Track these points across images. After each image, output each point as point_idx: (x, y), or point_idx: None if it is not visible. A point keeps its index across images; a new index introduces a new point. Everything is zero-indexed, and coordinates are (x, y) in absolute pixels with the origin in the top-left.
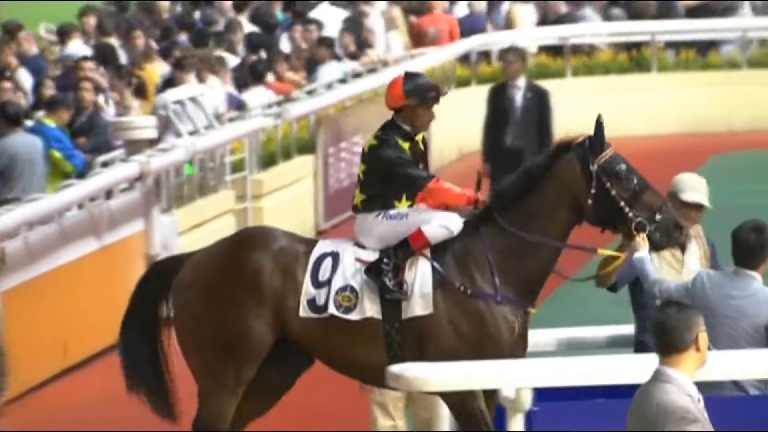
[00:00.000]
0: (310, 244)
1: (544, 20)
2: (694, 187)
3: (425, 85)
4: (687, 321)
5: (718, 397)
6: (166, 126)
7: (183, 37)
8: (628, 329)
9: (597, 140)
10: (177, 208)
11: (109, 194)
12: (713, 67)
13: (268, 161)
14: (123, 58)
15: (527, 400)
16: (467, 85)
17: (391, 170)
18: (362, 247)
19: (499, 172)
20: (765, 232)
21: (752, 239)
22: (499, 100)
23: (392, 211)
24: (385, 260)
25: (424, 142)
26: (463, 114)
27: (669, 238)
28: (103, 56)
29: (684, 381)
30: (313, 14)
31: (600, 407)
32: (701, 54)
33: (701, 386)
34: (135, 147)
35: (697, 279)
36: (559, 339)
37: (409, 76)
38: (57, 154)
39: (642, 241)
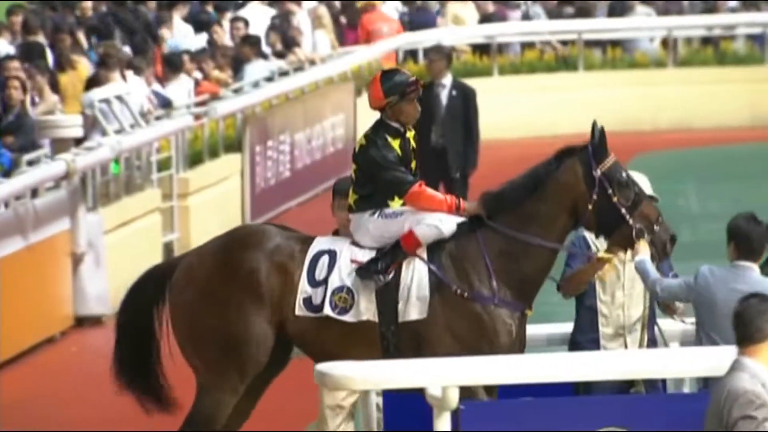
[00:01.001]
0: (307, 241)
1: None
2: (641, 184)
3: (403, 80)
4: (765, 313)
5: (633, 396)
6: (92, 124)
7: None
8: (567, 327)
9: (600, 147)
10: (103, 207)
11: (35, 193)
12: (639, 66)
13: (194, 160)
14: (50, 57)
15: (454, 399)
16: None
17: (377, 172)
18: (358, 245)
19: (423, 171)
20: (762, 223)
21: (754, 231)
22: (424, 99)
23: (387, 210)
24: (376, 261)
25: (415, 138)
26: None
27: (664, 249)
28: (29, 54)
29: (759, 370)
30: (242, 13)
31: (527, 406)
32: (627, 53)
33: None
34: (61, 145)
35: (700, 274)
36: None
37: (385, 75)
38: None
39: (644, 247)
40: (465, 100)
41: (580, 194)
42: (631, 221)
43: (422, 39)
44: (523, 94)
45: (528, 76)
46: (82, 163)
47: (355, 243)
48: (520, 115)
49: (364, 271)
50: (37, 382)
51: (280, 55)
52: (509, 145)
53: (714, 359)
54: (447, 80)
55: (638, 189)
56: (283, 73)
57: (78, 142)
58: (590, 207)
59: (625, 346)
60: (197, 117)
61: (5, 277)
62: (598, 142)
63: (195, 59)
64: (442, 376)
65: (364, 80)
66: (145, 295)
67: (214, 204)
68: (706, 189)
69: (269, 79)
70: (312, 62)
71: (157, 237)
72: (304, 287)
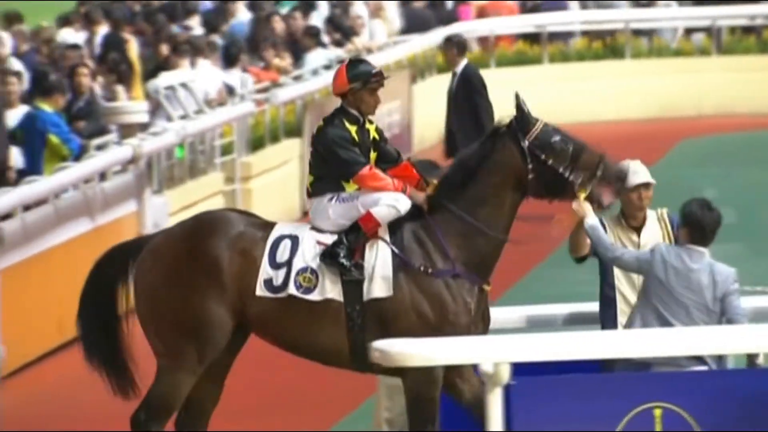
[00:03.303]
0: (268, 227)
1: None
2: (635, 171)
3: (367, 70)
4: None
5: (679, 372)
6: (157, 110)
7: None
8: (593, 306)
9: (522, 118)
10: (168, 190)
11: (102, 176)
12: (684, 54)
13: (256, 144)
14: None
15: (505, 375)
16: (447, 71)
17: (331, 150)
18: (319, 231)
19: (449, 154)
20: (714, 210)
21: (706, 218)
22: (448, 90)
23: (344, 194)
24: (339, 245)
25: (379, 131)
26: (444, 99)
27: (613, 189)
28: (111, 45)
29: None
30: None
31: (576, 381)
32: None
33: (661, 362)
34: (128, 131)
35: (656, 250)
36: (528, 316)
37: (352, 63)
38: (54, 139)
39: (583, 205)
40: (466, 86)
41: (517, 168)
42: (570, 177)
43: (474, 28)
44: (571, 81)
45: (577, 64)
46: (148, 147)
47: (315, 228)
48: (569, 102)
49: (329, 256)
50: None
51: (338, 44)
52: None
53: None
54: (459, 68)
55: (575, 144)
56: (341, 61)
57: (144, 127)
58: (531, 177)
59: (632, 310)
60: (259, 103)
61: (74, 258)
62: (519, 113)
63: (256, 47)
64: (495, 353)
65: (419, 68)
66: (110, 271)
67: (275, 187)
68: (748, 173)
69: (328, 67)
70: (369, 50)
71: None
72: (265, 269)
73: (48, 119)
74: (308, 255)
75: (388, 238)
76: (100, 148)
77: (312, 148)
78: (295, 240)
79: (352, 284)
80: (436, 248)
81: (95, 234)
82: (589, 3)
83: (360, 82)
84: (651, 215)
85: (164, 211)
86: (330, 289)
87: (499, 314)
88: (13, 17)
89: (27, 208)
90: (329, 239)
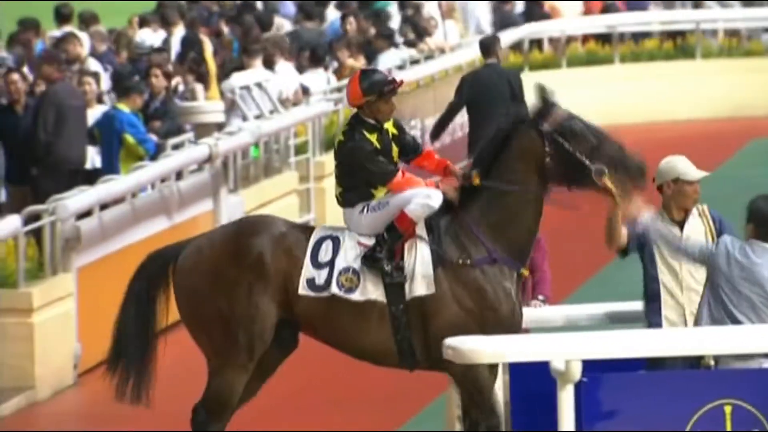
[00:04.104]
0: (309, 230)
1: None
2: (689, 166)
3: (380, 80)
4: None
5: (750, 369)
6: (232, 110)
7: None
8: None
9: (543, 104)
10: (243, 189)
11: (179, 175)
12: (755, 54)
13: (330, 144)
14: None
15: (577, 372)
16: (520, 71)
17: (358, 164)
18: (359, 233)
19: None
20: None
21: None
22: None
23: (373, 203)
24: (377, 248)
25: (397, 126)
26: None
27: (633, 179)
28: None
29: None
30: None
31: (645, 379)
32: (743, 41)
33: (728, 359)
34: (204, 130)
35: (721, 243)
36: (593, 314)
37: (364, 74)
38: (130, 139)
39: (642, 206)
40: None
41: (539, 153)
42: (593, 166)
43: (546, 29)
44: (642, 81)
45: (647, 64)
46: (223, 147)
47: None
48: (639, 101)
49: (370, 259)
50: (177, 357)
51: (411, 45)
52: (628, 131)
53: None
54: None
55: (596, 133)
56: (414, 62)
57: (219, 127)
58: (548, 160)
59: (684, 314)
60: (334, 103)
61: None
62: (540, 100)
63: (332, 48)
64: (566, 350)
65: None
66: (150, 276)
67: None
68: None
69: (401, 67)
70: (442, 51)
71: (294, 217)
72: (307, 269)
73: (125, 119)
74: (350, 255)
75: (425, 235)
76: (177, 147)
77: (336, 161)
78: (336, 241)
79: (395, 285)
80: (470, 239)
81: (171, 232)
82: (668, 3)
83: (374, 94)
84: (693, 211)
85: (240, 209)
86: (372, 291)
87: (570, 311)
88: (90, 18)
89: (104, 207)
90: (370, 240)
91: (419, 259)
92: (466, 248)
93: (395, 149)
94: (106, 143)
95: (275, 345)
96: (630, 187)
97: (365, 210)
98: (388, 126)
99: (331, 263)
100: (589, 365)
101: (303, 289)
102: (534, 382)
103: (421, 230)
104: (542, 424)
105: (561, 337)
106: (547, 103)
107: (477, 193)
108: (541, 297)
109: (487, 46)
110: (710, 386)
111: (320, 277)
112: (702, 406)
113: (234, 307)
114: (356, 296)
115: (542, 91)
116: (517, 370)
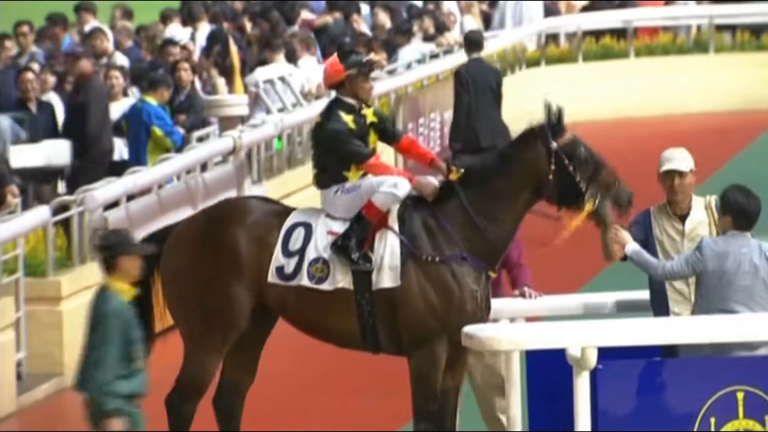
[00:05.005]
0: (284, 215)
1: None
2: (669, 159)
3: (359, 57)
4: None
5: (763, 356)
6: (256, 103)
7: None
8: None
9: (556, 123)
10: (267, 180)
11: (204, 167)
12: (767, 48)
13: None
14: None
15: (592, 359)
16: (537, 65)
17: (334, 145)
18: (332, 217)
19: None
20: (755, 196)
21: (751, 204)
22: None
23: (347, 185)
24: (348, 236)
25: (378, 114)
26: (534, 91)
27: (625, 206)
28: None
29: None
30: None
31: (659, 365)
32: (756, 36)
33: (732, 347)
34: (228, 123)
35: (702, 247)
36: (611, 302)
37: (342, 53)
38: (158, 131)
39: (620, 233)
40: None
41: (541, 168)
42: (585, 190)
43: (563, 23)
44: (657, 75)
45: (662, 58)
46: (247, 139)
47: (329, 215)
48: (654, 94)
49: (340, 248)
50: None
51: (430, 39)
52: (643, 123)
53: None
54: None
55: (597, 160)
56: (434, 56)
57: (243, 119)
58: (550, 177)
59: (691, 309)
60: None
61: None
62: (553, 119)
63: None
64: (582, 338)
65: (508, 62)
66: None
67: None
68: None
69: (420, 62)
70: (460, 45)
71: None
72: (277, 257)
73: (153, 112)
74: (320, 245)
75: (397, 227)
76: (202, 140)
77: (313, 142)
78: (308, 228)
79: (362, 274)
80: (444, 236)
81: None
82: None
83: (355, 68)
84: (698, 203)
85: None
86: (341, 279)
87: (586, 299)
88: (126, 14)
89: (131, 197)
90: (341, 228)
91: (388, 250)
92: (439, 245)
93: (373, 135)
94: (134, 135)
95: (255, 330)
96: (613, 215)
97: (339, 192)
98: (368, 113)
99: (301, 252)
100: (601, 353)
101: (272, 278)
102: (550, 369)
103: (392, 221)
104: (559, 410)
105: (577, 324)
106: (561, 122)
107: (459, 190)
108: (525, 288)
109: (476, 41)
110: (723, 373)
111: (289, 265)
112: (715, 392)
113: (210, 294)
114: (326, 286)
115: (558, 110)
116: (534, 358)
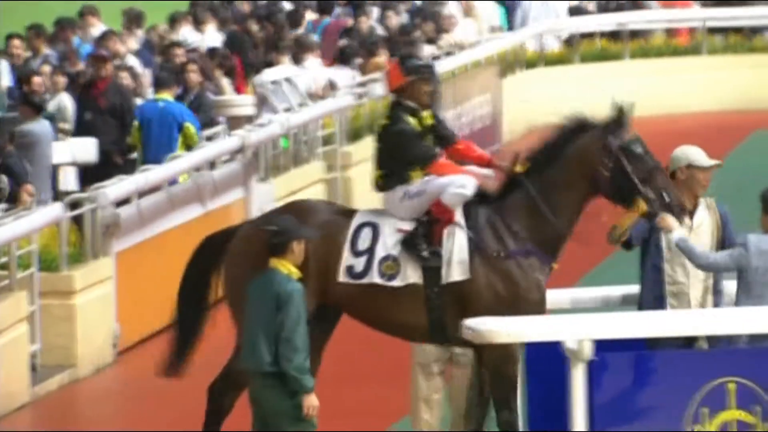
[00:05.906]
0: (350, 215)
1: (605, 8)
2: (702, 154)
3: (419, 62)
4: None
5: (753, 348)
6: (263, 103)
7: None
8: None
9: (618, 121)
10: (273, 178)
11: (212, 165)
12: (758, 50)
13: (355, 135)
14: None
15: (588, 351)
16: (536, 66)
17: (401, 146)
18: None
19: None
20: None
21: None
22: None
23: (412, 189)
24: (417, 234)
25: (435, 116)
26: (532, 93)
27: (677, 214)
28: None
29: None
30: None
31: (654, 358)
32: (747, 38)
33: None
34: (235, 123)
35: (747, 243)
36: (604, 296)
37: (403, 59)
38: (191, 128)
39: (666, 218)
40: None
41: (598, 162)
42: (643, 191)
43: (563, 26)
44: (651, 76)
45: (656, 60)
46: (254, 138)
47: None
48: (649, 95)
49: (409, 245)
50: (212, 334)
51: (431, 41)
52: (639, 123)
53: None
54: None
55: (655, 163)
56: (435, 57)
57: (250, 119)
58: (606, 174)
59: (689, 301)
60: (359, 97)
61: (186, 241)
62: (617, 118)
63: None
64: (578, 331)
65: (509, 63)
66: (205, 259)
67: None
68: None
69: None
70: (461, 47)
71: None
72: (346, 257)
73: (182, 109)
74: (389, 243)
75: (463, 223)
76: (210, 138)
77: (379, 145)
78: (375, 228)
79: (432, 269)
80: (508, 230)
81: (205, 219)
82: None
83: (416, 74)
84: (701, 201)
85: (270, 197)
86: (411, 275)
87: (580, 294)
88: (135, 17)
89: (142, 194)
90: (409, 225)
91: (457, 245)
92: (503, 238)
93: (430, 137)
94: (159, 134)
95: (318, 327)
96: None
97: (405, 196)
98: (426, 115)
99: (370, 251)
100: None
101: (342, 277)
102: (548, 361)
103: (459, 217)
104: (556, 401)
105: (574, 317)
106: (622, 120)
107: (525, 182)
108: None
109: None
110: (715, 365)
111: (359, 264)
112: (706, 384)
113: None
114: (397, 282)
115: (620, 109)
116: (531, 350)
